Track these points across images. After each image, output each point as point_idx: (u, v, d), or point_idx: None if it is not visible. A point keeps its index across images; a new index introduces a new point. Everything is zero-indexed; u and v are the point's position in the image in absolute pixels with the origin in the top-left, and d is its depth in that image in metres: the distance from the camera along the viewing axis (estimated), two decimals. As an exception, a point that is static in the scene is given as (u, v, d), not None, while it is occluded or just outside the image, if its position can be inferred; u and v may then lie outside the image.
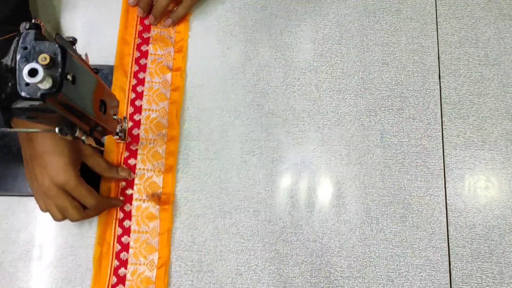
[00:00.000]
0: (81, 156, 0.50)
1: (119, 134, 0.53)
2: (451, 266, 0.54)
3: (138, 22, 0.62)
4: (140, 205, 0.55)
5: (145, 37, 0.61)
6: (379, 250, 0.55)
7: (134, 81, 0.59)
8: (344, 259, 0.54)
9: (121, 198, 0.55)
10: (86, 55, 0.40)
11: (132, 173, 0.56)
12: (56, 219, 0.50)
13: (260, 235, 0.55)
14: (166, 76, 0.59)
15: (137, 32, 0.61)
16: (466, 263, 0.54)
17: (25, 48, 0.33)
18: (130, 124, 0.58)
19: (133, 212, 0.55)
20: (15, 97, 0.33)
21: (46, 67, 0.32)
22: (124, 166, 0.56)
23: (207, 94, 0.60)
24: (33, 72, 0.31)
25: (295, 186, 0.57)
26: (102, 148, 0.57)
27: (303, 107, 0.59)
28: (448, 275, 0.54)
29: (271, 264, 0.54)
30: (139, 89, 0.59)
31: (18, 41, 0.33)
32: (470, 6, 0.63)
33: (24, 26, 0.35)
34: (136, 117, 0.58)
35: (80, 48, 0.61)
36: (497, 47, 0.62)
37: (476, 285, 0.54)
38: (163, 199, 0.55)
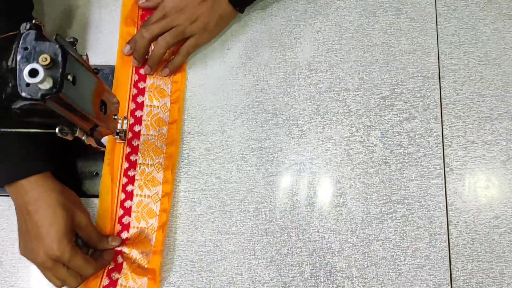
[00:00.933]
0: (75, 227, 0.50)
1: (119, 134, 0.53)
2: (452, 266, 0.54)
3: (134, 72, 0.59)
4: (141, 200, 0.55)
5: (140, 87, 0.59)
6: (379, 250, 0.55)
7: (134, 90, 0.59)
8: (345, 259, 0.54)
9: (113, 252, 0.54)
10: (86, 55, 0.40)
11: (122, 240, 0.54)
12: (57, 286, 0.49)
13: (260, 235, 0.55)
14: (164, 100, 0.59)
15: (132, 82, 0.59)
16: (467, 263, 0.54)
17: (26, 48, 0.33)
18: (132, 120, 0.58)
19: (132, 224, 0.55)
20: (15, 97, 0.33)
21: (47, 68, 0.32)
22: (115, 235, 0.54)
23: (207, 94, 0.60)
24: (33, 73, 0.31)
25: (295, 186, 0.57)
26: (103, 148, 0.57)
27: (303, 107, 0.59)
28: (449, 274, 0.54)
29: (272, 264, 0.54)
30: (139, 99, 0.59)
31: (18, 41, 0.33)
32: (469, 6, 0.63)
33: (24, 26, 0.35)
34: (137, 113, 0.58)
35: (80, 48, 0.61)
36: (497, 47, 0.62)
37: (476, 284, 0.54)
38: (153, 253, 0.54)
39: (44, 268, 0.48)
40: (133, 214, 0.55)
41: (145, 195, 0.55)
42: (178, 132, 0.58)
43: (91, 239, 0.52)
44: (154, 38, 0.57)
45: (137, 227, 0.54)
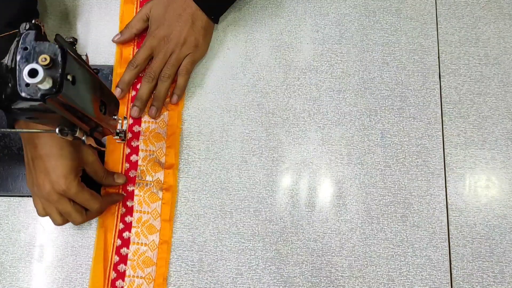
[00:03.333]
0: (82, 162, 0.50)
1: (119, 134, 0.53)
2: (452, 266, 0.54)
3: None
4: (141, 217, 0.55)
5: (131, 176, 0.56)
6: (379, 250, 0.55)
7: (133, 92, 0.59)
8: (345, 259, 0.54)
9: (123, 193, 0.55)
10: (86, 55, 0.40)
11: (127, 179, 0.55)
12: (56, 223, 0.50)
13: (260, 234, 0.55)
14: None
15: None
16: (467, 263, 0.54)
17: (25, 48, 0.33)
18: (131, 121, 0.58)
19: (134, 223, 0.55)
20: (15, 97, 0.33)
21: (46, 68, 0.32)
22: (121, 173, 0.56)
23: (207, 94, 0.60)
24: (33, 73, 0.31)
25: (296, 185, 0.57)
26: (103, 149, 0.57)
27: (303, 107, 0.59)
28: (449, 274, 0.54)
29: (272, 263, 0.54)
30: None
31: (18, 41, 0.33)
32: (470, 5, 0.63)
33: (24, 26, 0.35)
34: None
35: (80, 48, 0.61)
36: (497, 47, 0.62)
37: (477, 284, 0.54)
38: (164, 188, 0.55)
39: (48, 202, 0.48)
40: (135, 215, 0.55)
41: (142, 243, 0.55)
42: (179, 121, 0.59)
43: (97, 174, 0.53)
44: (156, 79, 0.57)
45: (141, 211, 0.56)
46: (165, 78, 0.56)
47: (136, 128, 0.58)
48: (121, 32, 0.59)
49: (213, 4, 0.58)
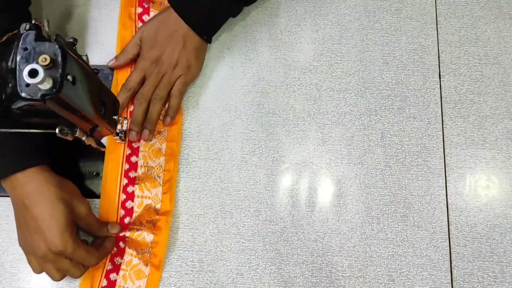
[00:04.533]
0: (75, 217, 0.49)
1: (119, 134, 0.53)
2: (452, 265, 0.54)
3: (125, 152, 0.57)
4: (142, 202, 0.55)
5: (131, 176, 0.56)
6: (380, 250, 0.55)
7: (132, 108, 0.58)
8: (345, 259, 0.54)
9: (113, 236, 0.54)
10: (86, 55, 0.40)
11: (121, 227, 0.54)
12: (55, 279, 0.49)
13: (260, 234, 0.55)
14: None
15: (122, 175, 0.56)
16: (467, 262, 0.54)
17: (25, 49, 0.33)
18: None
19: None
20: (15, 97, 0.33)
21: (46, 68, 0.32)
22: (114, 222, 0.54)
23: (207, 94, 0.60)
24: (33, 73, 0.31)
25: (296, 185, 0.57)
26: (103, 149, 0.57)
27: (303, 107, 0.59)
28: (450, 274, 0.54)
29: (272, 264, 0.54)
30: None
31: (18, 42, 0.33)
32: (470, 5, 0.63)
33: (24, 27, 0.35)
34: None
35: (80, 48, 0.61)
36: (497, 46, 0.62)
37: (477, 284, 0.54)
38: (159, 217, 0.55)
39: (45, 261, 0.48)
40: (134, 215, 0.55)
41: (146, 196, 0.55)
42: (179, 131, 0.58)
43: (92, 228, 0.52)
44: (148, 101, 0.56)
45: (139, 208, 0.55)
46: (157, 100, 0.56)
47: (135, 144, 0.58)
48: (116, 57, 0.58)
49: (204, 24, 0.57)
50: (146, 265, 0.53)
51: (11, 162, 0.48)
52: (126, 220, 0.55)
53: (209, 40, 0.58)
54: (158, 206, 0.55)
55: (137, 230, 0.54)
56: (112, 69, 0.59)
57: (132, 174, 0.56)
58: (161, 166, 0.56)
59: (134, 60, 0.59)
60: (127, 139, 0.57)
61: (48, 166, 0.50)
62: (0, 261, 0.54)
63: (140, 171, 0.56)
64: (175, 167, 0.56)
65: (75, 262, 0.48)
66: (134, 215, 0.55)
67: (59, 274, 0.49)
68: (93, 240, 0.54)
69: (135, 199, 0.55)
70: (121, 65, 0.58)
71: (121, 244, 0.54)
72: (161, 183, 0.56)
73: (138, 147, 0.57)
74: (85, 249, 0.48)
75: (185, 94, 0.59)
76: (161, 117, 0.58)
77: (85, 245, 0.49)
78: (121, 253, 0.54)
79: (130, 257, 0.53)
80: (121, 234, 0.54)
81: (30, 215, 0.47)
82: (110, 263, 0.53)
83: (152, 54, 0.56)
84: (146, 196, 0.55)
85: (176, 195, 0.56)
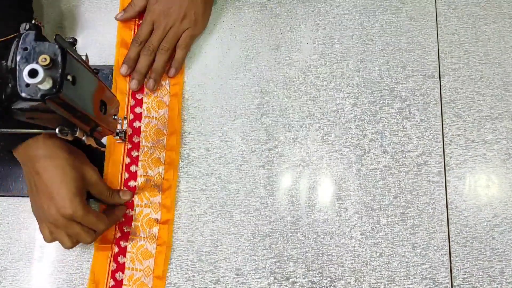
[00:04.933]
0: (86, 184, 0.50)
1: (119, 134, 0.53)
2: (452, 265, 0.54)
3: (124, 161, 0.56)
4: (142, 211, 0.55)
5: (131, 186, 0.56)
6: (379, 249, 0.55)
7: (132, 102, 0.59)
8: (345, 258, 0.54)
9: (124, 205, 0.55)
10: (86, 55, 0.40)
11: (133, 194, 0.55)
12: (66, 246, 0.50)
13: (260, 234, 0.55)
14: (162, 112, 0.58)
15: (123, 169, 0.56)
16: (467, 262, 0.54)
17: (25, 49, 0.33)
18: (131, 116, 0.58)
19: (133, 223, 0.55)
20: (15, 97, 0.33)
21: (46, 68, 0.32)
22: (125, 189, 0.55)
23: (207, 94, 0.60)
24: (33, 73, 0.31)
25: (296, 185, 0.57)
26: (103, 149, 0.57)
27: (303, 107, 0.59)
28: (449, 274, 0.54)
29: (272, 263, 0.54)
30: (138, 96, 0.59)
31: (18, 42, 0.33)
32: (470, 5, 0.63)
33: (24, 27, 0.35)
34: (137, 110, 0.58)
35: (80, 48, 0.61)
36: (497, 46, 0.62)
37: (477, 283, 0.54)
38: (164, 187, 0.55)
39: (56, 227, 0.48)
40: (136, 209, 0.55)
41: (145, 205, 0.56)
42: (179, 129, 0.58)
43: (103, 194, 0.53)
44: (155, 52, 0.57)
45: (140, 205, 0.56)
46: (164, 51, 0.57)
47: (136, 124, 0.58)
48: (124, 10, 0.59)
49: None
50: (148, 276, 0.53)
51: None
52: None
53: None
54: (158, 215, 0.55)
55: (145, 208, 0.55)
56: (111, 69, 0.59)
57: (131, 184, 0.56)
58: (161, 175, 0.56)
59: (141, 13, 0.59)
60: (127, 139, 0.57)
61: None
62: (0, 261, 0.54)
63: (139, 180, 0.56)
64: (174, 176, 0.56)
65: (85, 227, 0.49)
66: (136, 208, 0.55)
67: (70, 241, 0.49)
68: (104, 208, 0.55)
69: (135, 208, 0.55)
70: (128, 17, 0.59)
71: (129, 212, 0.55)
72: (160, 192, 0.56)
73: (138, 156, 0.57)
74: (95, 214, 0.49)
75: (185, 94, 0.59)
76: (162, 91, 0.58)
77: (95, 211, 0.49)
78: (129, 221, 0.55)
79: (131, 272, 0.53)
80: (129, 214, 0.55)
81: (41, 180, 0.47)
82: (119, 231, 0.54)
83: (159, 6, 0.57)
84: (145, 205, 0.55)
85: (176, 195, 0.56)
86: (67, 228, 0.48)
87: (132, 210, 0.55)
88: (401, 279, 0.54)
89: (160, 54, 0.57)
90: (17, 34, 0.35)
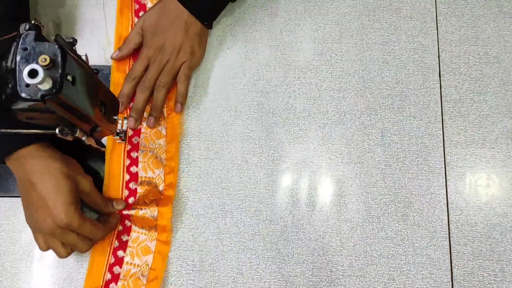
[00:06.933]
0: (80, 193, 0.50)
1: (119, 134, 0.53)
2: (453, 264, 0.54)
3: (125, 163, 0.56)
4: (138, 234, 0.55)
5: (132, 189, 0.56)
6: (380, 249, 0.55)
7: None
8: (346, 258, 0.54)
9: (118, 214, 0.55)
10: (86, 55, 0.40)
11: (126, 204, 0.55)
12: (61, 256, 0.50)
13: (261, 234, 0.55)
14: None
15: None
16: (468, 261, 0.54)
17: (25, 49, 0.33)
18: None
19: (129, 244, 0.54)
20: (15, 98, 0.33)
21: (46, 68, 0.32)
22: (119, 199, 0.55)
23: (207, 94, 0.60)
24: (33, 73, 0.31)
25: (296, 185, 0.57)
26: (103, 149, 0.57)
27: (303, 106, 0.59)
28: (450, 273, 0.54)
29: (273, 263, 0.54)
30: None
31: (18, 42, 0.33)
32: (470, 4, 0.63)
33: (24, 27, 0.35)
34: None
35: (80, 48, 0.61)
36: (497, 45, 0.62)
37: (477, 283, 0.54)
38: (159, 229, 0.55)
39: (52, 237, 0.48)
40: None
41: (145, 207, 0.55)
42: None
43: (97, 204, 0.53)
44: (151, 88, 0.56)
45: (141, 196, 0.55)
46: (161, 87, 0.56)
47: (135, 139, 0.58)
48: (119, 49, 0.58)
49: (205, 10, 0.57)
50: (152, 241, 0.54)
51: (15, 139, 0.48)
52: (130, 200, 0.55)
53: (210, 26, 0.59)
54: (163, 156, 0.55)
55: (141, 209, 0.54)
56: (111, 68, 0.59)
57: (133, 170, 0.56)
58: (161, 177, 0.56)
59: (137, 50, 0.59)
60: (127, 138, 0.57)
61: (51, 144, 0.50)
62: (1, 261, 0.54)
63: (139, 190, 0.56)
64: (173, 186, 0.56)
65: (82, 236, 0.49)
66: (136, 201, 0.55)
67: (65, 250, 0.49)
68: (98, 217, 0.55)
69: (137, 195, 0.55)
70: (124, 56, 0.58)
71: (127, 222, 0.55)
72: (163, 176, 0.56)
73: (137, 157, 0.57)
74: (91, 223, 0.49)
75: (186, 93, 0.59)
76: (165, 115, 0.58)
77: (91, 219, 0.49)
78: (127, 231, 0.54)
79: (137, 234, 0.54)
80: (125, 213, 0.55)
81: (36, 191, 0.47)
82: (116, 241, 0.54)
83: (154, 42, 0.56)
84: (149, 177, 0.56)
85: (176, 195, 0.56)
86: (63, 237, 0.48)
87: (131, 210, 0.55)
88: (402, 279, 0.54)
89: (158, 91, 0.56)
90: (15, 34, 0.35)
